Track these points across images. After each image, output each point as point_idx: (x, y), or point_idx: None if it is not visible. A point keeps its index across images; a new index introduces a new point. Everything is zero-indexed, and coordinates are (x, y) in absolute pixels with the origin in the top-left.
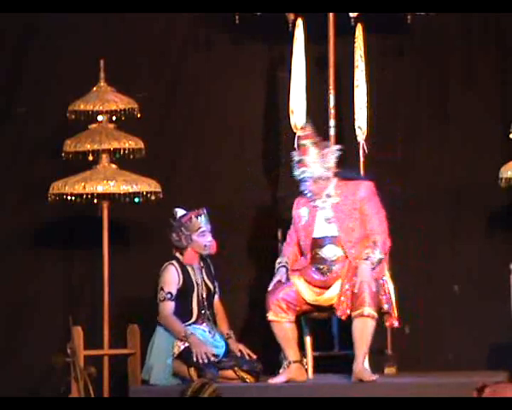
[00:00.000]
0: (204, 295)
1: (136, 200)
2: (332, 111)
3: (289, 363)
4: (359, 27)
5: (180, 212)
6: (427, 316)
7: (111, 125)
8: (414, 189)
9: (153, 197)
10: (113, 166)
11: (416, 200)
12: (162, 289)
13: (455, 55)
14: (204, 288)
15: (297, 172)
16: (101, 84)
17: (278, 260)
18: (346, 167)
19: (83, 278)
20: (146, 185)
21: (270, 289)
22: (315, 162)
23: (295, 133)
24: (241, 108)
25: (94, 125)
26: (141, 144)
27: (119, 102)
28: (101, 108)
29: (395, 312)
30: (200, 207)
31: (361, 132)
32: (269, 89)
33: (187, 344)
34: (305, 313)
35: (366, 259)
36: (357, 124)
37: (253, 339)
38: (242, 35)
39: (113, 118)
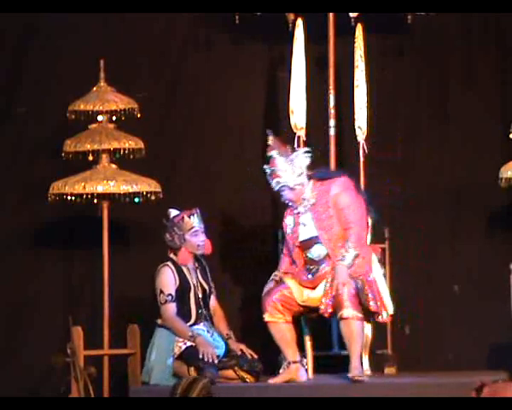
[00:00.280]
0: (200, 296)
1: (136, 200)
2: (332, 111)
3: (289, 363)
4: (359, 27)
5: (173, 212)
6: (427, 316)
7: (111, 125)
8: (414, 189)
9: (153, 197)
10: (113, 166)
11: (415, 200)
12: (162, 291)
13: (455, 55)
14: (200, 288)
15: (273, 185)
16: (101, 84)
17: (274, 273)
18: (346, 168)
19: (83, 278)
20: (146, 185)
21: (264, 292)
22: (285, 171)
23: (295, 133)
24: (241, 108)
25: (94, 125)
26: (141, 144)
27: (119, 102)
28: (101, 108)
29: (385, 308)
30: (195, 207)
31: (361, 132)
32: (269, 89)
33: (188, 344)
34: (301, 314)
35: (341, 259)
36: (357, 124)
37: (253, 339)
38: (242, 35)
39: (113, 118)
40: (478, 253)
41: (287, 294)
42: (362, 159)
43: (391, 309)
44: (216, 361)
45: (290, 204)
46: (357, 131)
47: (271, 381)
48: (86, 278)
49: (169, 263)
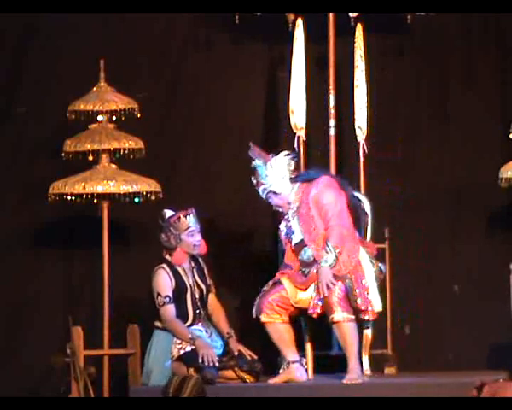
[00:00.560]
0: (197, 296)
1: (136, 200)
2: (332, 111)
3: (288, 364)
4: (359, 27)
5: (168, 213)
6: (427, 316)
7: (111, 125)
8: (414, 189)
9: (153, 197)
10: (113, 166)
11: (415, 200)
12: (159, 294)
13: (455, 55)
14: (196, 288)
15: (260, 194)
16: (101, 84)
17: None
18: (346, 168)
19: (83, 278)
20: (146, 185)
21: (261, 293)
22: (267, 176)
23: (295, 133)
24: (241, 108)
25: (94, 125)
26: (141, 144)
27: (119, 102)
28: (101, 108)
29: (372, 305)
30: (192, 207)
31: (361, 132)
32: (269, 89)
33: (188, 349)
34: (297, 315)
35: (323, 261)
36: (357, 124)
37: (253, 340)
38: (242, 35)
39: (113, 118)
40: (478, 253)
41: (283, 294)
42: (362, 159)
43: (378, 307)
44: (216, 363)
45: (280, 210)
46: (357, 131)
47: (271, 381)
48: (86, 278)
49: (164, 265)
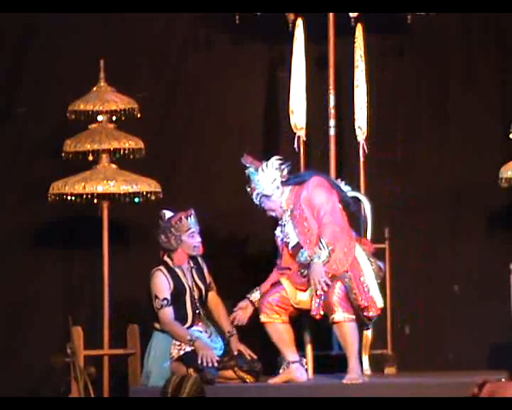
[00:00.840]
0: (196, 297)
1: (136, 200)
2: (332, 111)
3: (288, 364)
4: (359, 27)
5: (168, 213)
6: (427, 316)
7: (111, 125)
8: (414, 189)
9: (153, 197)
10: (113, 166)
11: (415, 200)
12: (157, 297)
13: (455, 55)
14: (195, 289)
15: (254, 200)
16: (101, 84)
17: (249, 295)
18: (346, 168)
19: (83, 278)
20: (146, 185)
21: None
22: (259, 181)
23: (295, 133)
24: (241, 108)
25: (94, 125)
26: (141, 144)
27: (119, 102)
28: (101, 108)
29: (374, 302)
30: (191, 208)
31: (361, 132)
32: (269, 89)
33: (188, 349)
34: (297, 316)
35: (316, 257)
36: (357, 124)
37: (253, 340)
38: (242, 35)
39: (113, 118)
40: (478, 253)
41: (283, 294)
42: (362, 159)
43: (380, 303)
44: (216, 364)
45: (274, 215)
46: (357, 131)
47: (271, 381)
48: (86, 278)
49: (161, 267)
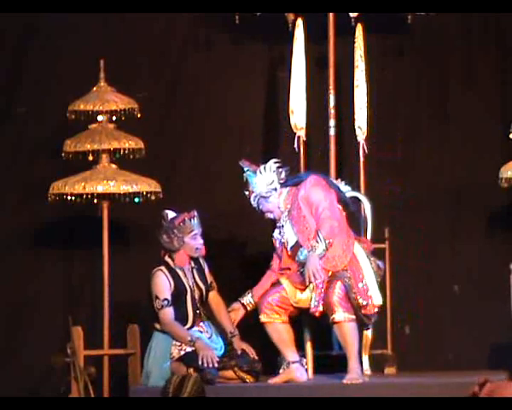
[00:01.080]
0: (197, 297)
1: (136, 200)
2: (332, 111)
3: (288, 364)
4: (359, 27)
5: (171, 214)
6: (427, 316)
7: (111, 125)
8: (414, 189)
9: (153, 197)
10: (113, 166)
11: (415, 200)
12: (157, 297)
13: (455, 55)
14: (196, 289)
15: (253, 204)
16: (101, 84)
17: (241, 298)
18: (346, 168)
19: (83, 278)
20: (146, 185)
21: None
22: (256, 183)
23: (295, 133)
24: (241, 108)
25: (94, 125)
26: (141, 144)
27: (119, 102)
28: (101, 108)
29: (372, 299)
30: (193, 209)
31: (361, 132)
32: (269, 89)
33: (188, 350)
34: (297, 315)
35: (312, 249)
36: (357, 124)
37: (253, 340)
38: (242, 35)
39: (113, 118)
40: (478, 253)
41: (283, 294)
42: (362, 159)
43: (379, 301)
44: (216, 364)
45: (272, 217)
46: (357, 131)
47: (271, 381)
48: (86, 278)
49: (162, 267)
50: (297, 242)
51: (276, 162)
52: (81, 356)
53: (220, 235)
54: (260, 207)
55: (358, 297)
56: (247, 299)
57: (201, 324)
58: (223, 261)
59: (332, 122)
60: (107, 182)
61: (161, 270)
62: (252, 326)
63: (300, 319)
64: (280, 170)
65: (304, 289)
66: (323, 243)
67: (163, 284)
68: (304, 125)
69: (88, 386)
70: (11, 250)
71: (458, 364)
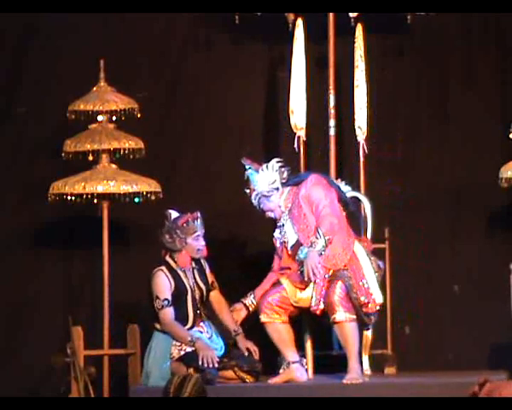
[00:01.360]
0: (197, 297)
1: (136, 200)
2: (332, 111)
3: (288, 364)
4: (359, 27)
5: (174, 214)
6: (427, 316)
7: (111, 125)
8: (414, 189)
9: (153, 197)
10: (113, 166)
11: (416, 200)
12: (158, 297)
13: (455, 55)
14: (197, 290)
15: (254, 203)
16: (101, 84)
17: (243, 299)
18: (346, 168)
19: (83, 278)
20: (146, 185)
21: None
22: (258, 181)
23: (295, 133)
24: (241, 108)
25: (94, 125)
26: (141, 144)
27: (119, 102)
28: (101, 108)
29: (373, 298)
30: (195, 210)
31: (361, 132)
32: (269, 89)
33: (188, 350)
34: (297, 315)
35: (311, 245)
36: (357, 124)
37: (253, 340)
38: (242, 35)
39: (113, 118)
40: (478, 253)
41: (283, 294)
42: (362, 159)
43: (379, 299)
44: (216, 365)
45: (273, 216)
46: (357, 131)
47: (271, 381)
48: (86, 278)
49: (163, 267)
50: (297, 241)
51: (278, 161)
52: (81, 356)
53: (220, 235)
54: (261, 205)
55: (360, 295)
56: (249, 300)
57: (201, 324)
58: (223, 262)
59: (332, 122)
60: (107, 182)
61: (162, 270)
62: (252, 326)
63: (300, 319)
64: (282, 169)
65: (304, 289)
66: (323, 239)
67: (163, 284)
68: (304, 125)
69: (88, 386)
70: (11, 250)
71: (458, 364)
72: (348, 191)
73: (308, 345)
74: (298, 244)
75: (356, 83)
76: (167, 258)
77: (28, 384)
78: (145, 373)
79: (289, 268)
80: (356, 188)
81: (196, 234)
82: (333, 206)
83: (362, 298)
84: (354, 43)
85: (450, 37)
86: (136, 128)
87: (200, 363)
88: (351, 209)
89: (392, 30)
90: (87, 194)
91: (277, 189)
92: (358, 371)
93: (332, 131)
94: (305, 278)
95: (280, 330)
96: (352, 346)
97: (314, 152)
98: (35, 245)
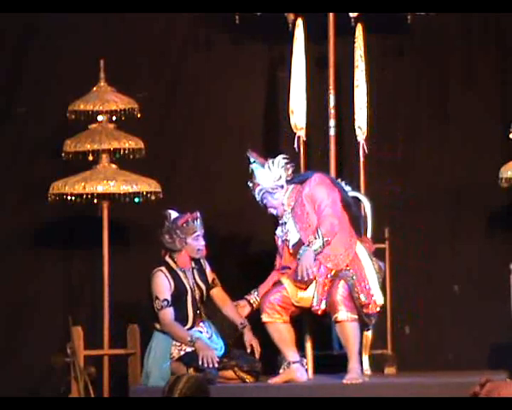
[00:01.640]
0: (197, 297)
1: (136, 200)
2: (332, 111)
3: (289, 364)
4: (359, 27)
5: (173, 214)
6: (427, 316)
7: (111, 125)
8: (414, 189)
9: (153, 197)
10: (113, 166)
11: (415, 200)
12: (157, 298)
13: (455, 55)
14: (196, 289)
15: (257, 197)
16: (101, 84)
17: (247, 296)
18: (346, 168)
19: (83, 278)
20: (146, 185)
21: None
22: (263, 177)
23: (295, 133)
24: (241, 108)
25: (94, 125)
26: (141, 144)
27: (119, 102)
28: (101, 108)
29: (374, 299)
30: (194, 210)
31: (361, 132)
32: (269, 89)
33: (188, 349)
34: (298, 314)
35: (309, 244)
36: (357, 124)
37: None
38: (242, 35)
39: (113, 118)
40: (478, 253)
41: (284, 294)
42: (362, 159)
43: (380, 300)
44: (216, 365)
45: (275, 213)
46: (357, 131)
47: (271, 381)
48: (86, 278)
49: (162, 268)
50: (299, 239)
51: (284, 158)
52: (81, 356)
53: (220, 235)
54: (264, 201)
55: (361, 296)
56: (253, 297)
57: (201, 324)
58: (223, 262)
59: (332, 122)
60: (107, 182)
61: (161, 270)
62: (252, 326)
63: (301, 319)
64: (288, 166)
65: (305, 289)
66: (321, 239)
67: (163, 285)
68: (304, 125)
69: (88, 386)
70: (11, 250)
71: (458, 364)
72: (348, 191)
73: (308, 345)
74: (300, 243)
75: (356, 83)
76: (167, 258)
77: (28, 384)
78: (145, 373)
79: (289, 267)
80: (356, 188)
81: (196, 234)
82: (335, 206)
83: (363, 299)
84: (354, 43)
85: (450, 37)
86: (136, 128)
87: (200, 363)
88: (353, 211)
89: (392, 30)
90: (87, 194)
91: (282, 186)
92: (358, 371)
93: (332, 131)
94: (299, 277)
95: (281, 330)
96: (352, 346)
97: (314, 152)
98: (35, 245)
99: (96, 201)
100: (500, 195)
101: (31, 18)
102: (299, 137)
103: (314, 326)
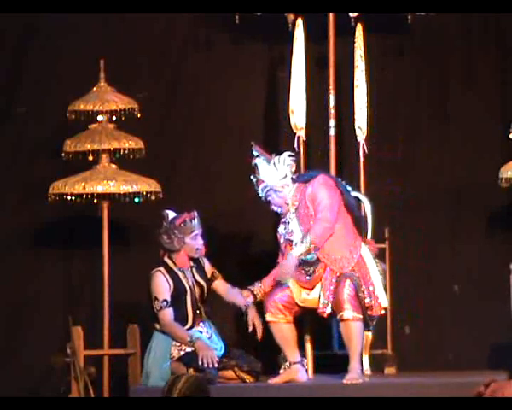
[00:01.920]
0: (197, 296)
1: (136, 200)
2: (332, 111)
3: (290, 364)
4: (359, 27)
5: (171, 214)
6: (427, 316)
7: (111, 125)
8: (414, 189)
9: (153, 197)
10: (113, 166)
11: (416, 200)
12: (157, 298)
13: (455, 55)
14: (196, 287)
15: (260, 193)
16: (101, 84)
17: (251, 287)
18: (346, 168)
19: (83, 278)
20: (146, 185)
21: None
22: (268, 174)
23: (295, 133)
24: (241, 108)
25: (94, 125)
26: (141, 144)
27: (119, 102)
28: (101, 108)
29: (379, 301)
30: (193, 209)
31: (361, 132)
32: (269, 89)
33: (188, 349)
34: (301, 315)
35: (293, 249)
36: (357, 124)
37: (253, 340)
38: (242, 35)
39: (113, 118)
40: (478, 253)
41: (288, 293)
42: (362, 159)
43: (384, 303)
44: (216, 365)
45: (279, 211)
46: (357, 131)
47: (271, 381)
48: (86, 278)
49: (161, 268)
50: None
51: (290, 156)
52: (81, 356)
53: (220, 235)
54: (268, 198)
55: (366, 297)
56: (257, 288)
57: (201, 324)
58: (223, 261)
59: (332, 122)
60: (107, 182)
61: (160, 271)
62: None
63: (301, 319)
64: (293, 164)
65: (310, 289)
66: (307, 245)
67: (162, 285)
68: (304, 125)
69: (88, 386)
70: (11, 250)
71: (458, 364)
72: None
73: (308, 345)
74: None
75: (356, 83)
76: (166, 259)
77: (28, 384)
78: (145, 373)
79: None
80: (356, 188)
81: (194, 233)
82: (332, 210)
83: (367, 300)
84: (354, 43)
85: (450, 37)
86: (136, 128)
87: (200, 363)
88: (356, 212)
89: (392, 30)
90: (87, 194)
91: (288, 185)
92: (358, 371)
93: (332, 131)
94: (277, 279)
95: (284, 330)
96: (355, 345)
97: (314, 152)
98: (35, 245)
99: (96, 201)
100: (500, 195)
101: (31, 18)
102: (299, 137)
103: (314, 326)
